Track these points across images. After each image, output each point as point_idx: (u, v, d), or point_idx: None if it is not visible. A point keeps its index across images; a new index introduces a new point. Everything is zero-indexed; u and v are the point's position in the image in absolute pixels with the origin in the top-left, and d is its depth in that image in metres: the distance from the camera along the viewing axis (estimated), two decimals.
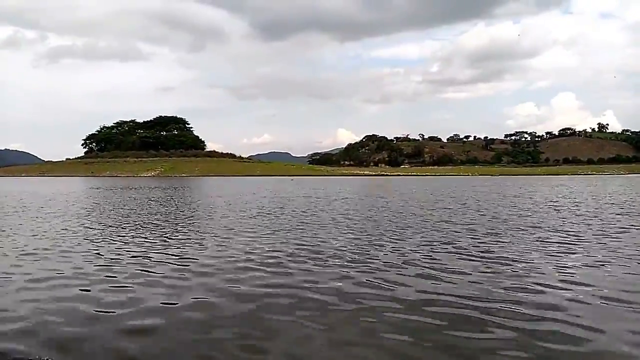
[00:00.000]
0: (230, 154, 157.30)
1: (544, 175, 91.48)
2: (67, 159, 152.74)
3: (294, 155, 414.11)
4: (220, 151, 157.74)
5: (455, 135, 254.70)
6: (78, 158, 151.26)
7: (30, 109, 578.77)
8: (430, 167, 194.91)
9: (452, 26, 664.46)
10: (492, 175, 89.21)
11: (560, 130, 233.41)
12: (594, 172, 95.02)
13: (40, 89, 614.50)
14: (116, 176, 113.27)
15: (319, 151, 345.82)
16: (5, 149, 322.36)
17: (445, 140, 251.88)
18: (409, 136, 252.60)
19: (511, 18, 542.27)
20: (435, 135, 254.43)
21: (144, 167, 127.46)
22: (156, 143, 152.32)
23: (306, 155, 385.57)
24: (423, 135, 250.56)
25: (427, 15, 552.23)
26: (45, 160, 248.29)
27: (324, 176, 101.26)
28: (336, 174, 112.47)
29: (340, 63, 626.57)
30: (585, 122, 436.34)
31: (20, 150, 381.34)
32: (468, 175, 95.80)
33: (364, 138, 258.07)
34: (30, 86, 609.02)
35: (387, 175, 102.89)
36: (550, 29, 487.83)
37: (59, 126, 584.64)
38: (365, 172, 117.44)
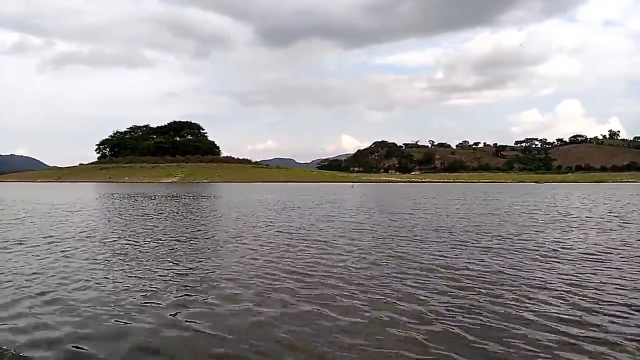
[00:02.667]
0: (246, 159, 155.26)
1: (583, 182, 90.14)
2: (80, 164, 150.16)
3: (298, 161, 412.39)
4: (235, 157, 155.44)
5: (464, 141, 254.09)
6: (92, 163, 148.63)
7: (35, 114, 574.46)
8: (442, 173, 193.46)
9: (456, 33, 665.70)
10: (538, 182, 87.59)
11: (571, 137, 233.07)
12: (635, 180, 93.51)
13: (46, 95, 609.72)
14: (137, 182, 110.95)
15: (324, 157, 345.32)
16: (11, 154, 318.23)
17: (455, 147, 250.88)
18: (418, 142, 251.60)
19: (516, 25, 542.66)
20: (445, 142, 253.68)
21: (164, 172, 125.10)
22: (171, 148, 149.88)
23: (310, 161, 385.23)
24: (433, 142, 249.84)
25: (432, 22, 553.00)
26: (51, 165, 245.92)
27: (355, 182, 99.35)
28: (362, 180, 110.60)
29: (344, 70, 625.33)
30: (589, 130, 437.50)
31: (25, 155, 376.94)
32: (510, 182, 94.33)
33: (372, 144, 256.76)
34: (36, 92, 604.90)
35: (419, 182, 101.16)
36: (555, 37, 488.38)
37: (64, 132, 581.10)
38: (392, 179, 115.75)
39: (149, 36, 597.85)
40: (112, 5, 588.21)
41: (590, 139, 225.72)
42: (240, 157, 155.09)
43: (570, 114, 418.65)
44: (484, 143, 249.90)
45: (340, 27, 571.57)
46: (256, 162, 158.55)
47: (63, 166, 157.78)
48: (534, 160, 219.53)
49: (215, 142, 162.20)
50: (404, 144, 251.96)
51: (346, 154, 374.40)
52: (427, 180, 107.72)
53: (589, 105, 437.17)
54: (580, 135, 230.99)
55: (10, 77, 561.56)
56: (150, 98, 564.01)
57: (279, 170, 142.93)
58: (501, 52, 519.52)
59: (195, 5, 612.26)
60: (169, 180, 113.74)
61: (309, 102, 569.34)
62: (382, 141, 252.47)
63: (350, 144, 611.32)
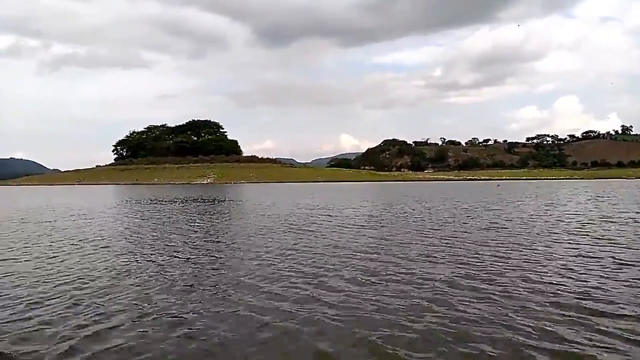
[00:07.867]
0: (269, 158, 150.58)
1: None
2: (97, 165, 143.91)
3: (299, 160, 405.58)
4: (259, 156, 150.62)
5: (474, 138, 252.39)
6: (111, 164, 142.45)
7: (32, 117, 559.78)
8: (456, 170, 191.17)
9: (454, 31, 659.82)
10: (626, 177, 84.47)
11: (583, 133, 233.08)
12: None
13: (43, 97, 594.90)
14: (168, 183, 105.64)
15: (323, 157, 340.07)
16: (11, 157, 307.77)
17: (465, 144, 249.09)
18: (428, 140, 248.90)
19: (515, 22, 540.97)
20: (455, 139, 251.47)
21: (194, 173, 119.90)
22: (193, 148, 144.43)
23: (310, 161, 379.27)
24: (444, 139, 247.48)
25: (430, 20, 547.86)
26: (52, 168, 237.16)
27: (401, 181, 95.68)
28: (410, 179, 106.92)
29: (342, 69, 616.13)
30: (588, 125, 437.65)
31: (24, 158, 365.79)
32: (577, 178, 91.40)
33: (382, 143, 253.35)
34: (33, 94, 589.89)
35: (475, 179, 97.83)
36: (554, 33, 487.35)
37: (61, 134, 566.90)
38: (444, 177, 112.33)
39: (145, 37, 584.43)
40: (107, 6, 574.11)
41: (604, 134, 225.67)
42: (265, 157, 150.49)
43: (568, 110, 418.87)
44: (495, 140, 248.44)
45: (337, 26, 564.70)
46: (277, 160, 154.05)
47: (63, 170, 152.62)
48: (548, 156, 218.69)
49: (238, 142, 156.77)
50: (414, 142, 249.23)
51: (346, 153, 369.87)
52: (484, 177, 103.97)
53: (588, 101, 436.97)
54: (592, 131, 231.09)
55: (7, 80, 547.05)
56: (148, 99, 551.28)
57: (307, 169, 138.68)
58: (500, 49, 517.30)
59: (191, 6, 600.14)
60: (204, 182, 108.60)
61: (306, 101, 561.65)
62: (393, 139, 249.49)
63: (349, 143, 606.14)
